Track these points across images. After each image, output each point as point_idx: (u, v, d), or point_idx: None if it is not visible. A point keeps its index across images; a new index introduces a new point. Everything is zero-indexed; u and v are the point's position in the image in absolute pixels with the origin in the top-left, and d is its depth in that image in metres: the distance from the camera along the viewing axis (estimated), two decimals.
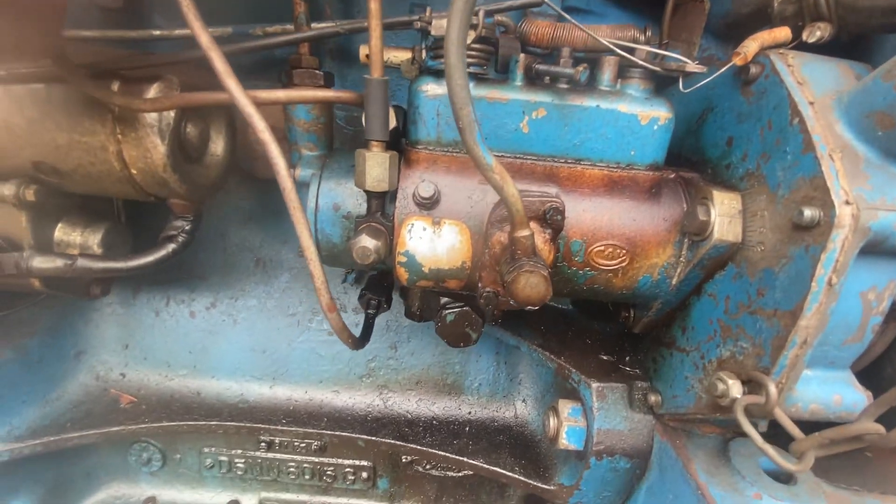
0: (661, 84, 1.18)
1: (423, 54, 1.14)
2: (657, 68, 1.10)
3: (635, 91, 1.12)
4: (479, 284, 1.10)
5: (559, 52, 1.10)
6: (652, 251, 1.17)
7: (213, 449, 1.80)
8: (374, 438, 1.67)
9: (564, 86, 1.09)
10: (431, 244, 1.08)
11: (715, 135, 1.23)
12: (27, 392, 1.66)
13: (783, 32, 1.08)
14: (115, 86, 1.18)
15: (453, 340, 1.25)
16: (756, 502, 1.07)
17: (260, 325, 1.85)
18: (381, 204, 1.15)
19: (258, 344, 1.85)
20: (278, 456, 1.79)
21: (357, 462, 1.82)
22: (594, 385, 1.36)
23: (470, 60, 1.08)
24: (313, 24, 1.29)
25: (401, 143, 1.22)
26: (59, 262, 1.32)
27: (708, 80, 1.14)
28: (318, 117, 1.28)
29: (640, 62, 1.08)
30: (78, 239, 1.39)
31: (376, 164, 1.06)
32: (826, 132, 0.93)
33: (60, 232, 1.39)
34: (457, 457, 1.62)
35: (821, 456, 0.99)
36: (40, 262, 1.31)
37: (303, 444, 1.78)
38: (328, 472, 1.82)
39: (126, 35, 1.38)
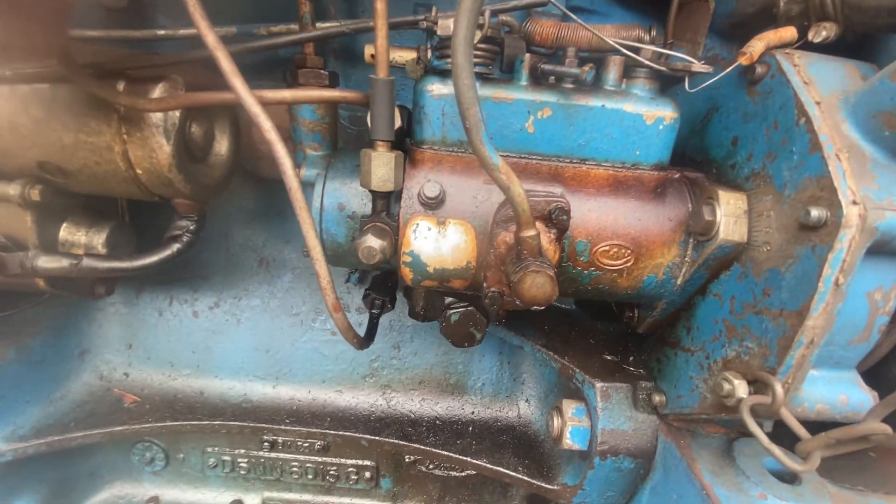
0: (666, 84, 1.18)
1: (429, 54, 1.14)
2: (662, 68, 1.10)
3: (640, 91, 1.12)
4: (484, 284, 1.10)
5: (564, 52, 1.10)
6: (657, 251, 1.17)
7: (216, 449, 1.80)
8: (377, 438, 1.67)
9: (570, 85, 1.09)
10: (436, 244, 1.08)
11: (720, 135, 1.23)
12: (31, 392, 1.66)
13: (789, 32, 1.08)
14: (121, 86, 1.18)
15: (458, 340, 1.25)
16: (761, 502, 1.07)
17: (263, 324, 1.85)
18: (386, 204, 1.15)
19: (261, 343, 1.85)
20: (281, 456, 1.79)
21: (360, 462, 1.82)
22: (598, 385, 1.36)
23: (476, 60, 1.07)
24: (318, 24, 1.29)
25: (405, 143, 1.22)
26: (64, 262, 1.33)
27: (714, 79, 1.14)
28: (322, 117, 1.28)
29: (646, 62, 1.08)
30: (83, 239, 1.40)
31: (381, 164, 1.06)
32: (833, 132, 0.93)
33: (65, 232, 1.39)
34: (460, 456, 1.62)
35: (827, 456, 0.99)
36: (45, 262, 1.32)
37: (306, 444, 1.78)
38: (331, 472, 1.82)
39: (131, 35, 1.39)
